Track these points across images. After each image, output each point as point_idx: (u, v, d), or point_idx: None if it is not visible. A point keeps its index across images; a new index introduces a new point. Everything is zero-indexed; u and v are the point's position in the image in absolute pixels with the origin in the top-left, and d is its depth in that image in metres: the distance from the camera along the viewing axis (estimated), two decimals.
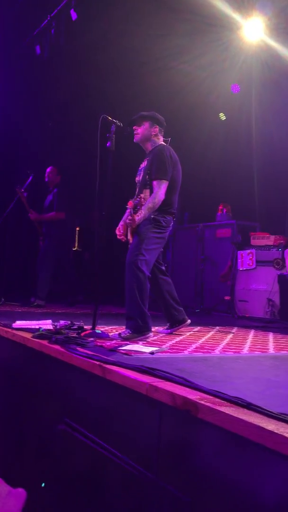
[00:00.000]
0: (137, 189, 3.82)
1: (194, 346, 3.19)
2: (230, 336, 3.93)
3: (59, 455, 2.35)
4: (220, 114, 7.71)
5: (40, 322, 3.60)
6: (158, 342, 3.29)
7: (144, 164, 3.83)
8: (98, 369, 2.24)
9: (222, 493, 1.53)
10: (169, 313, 3.90)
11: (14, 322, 3.54)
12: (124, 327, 3.56)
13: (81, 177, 7.41)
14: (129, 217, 3.55)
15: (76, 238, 8.63)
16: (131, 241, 3.68)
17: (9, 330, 3.39)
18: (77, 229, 8.64)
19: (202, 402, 1.65)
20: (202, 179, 7.57)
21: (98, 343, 2.96)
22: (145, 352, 2.72)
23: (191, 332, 4.02)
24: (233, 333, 4.16)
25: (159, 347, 2.99)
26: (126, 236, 3.76)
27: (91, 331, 3.24)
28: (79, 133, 7.66)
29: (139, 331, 3.39)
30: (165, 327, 3.94)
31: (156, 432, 1.82)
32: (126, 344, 2.99)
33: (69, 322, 3.49)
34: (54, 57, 7.13)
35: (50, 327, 3.37)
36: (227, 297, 6.47)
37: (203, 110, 7.60)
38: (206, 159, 7.57)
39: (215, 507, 1.55)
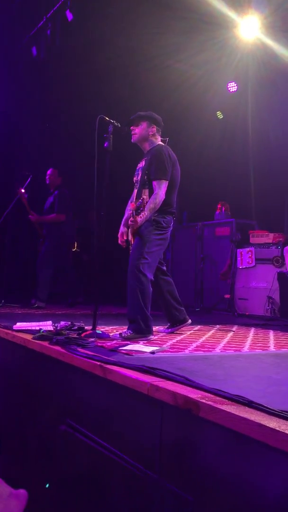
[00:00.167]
0: (136, 189, 3.81)
1: (194, 345, 3.19)
2: (230, 334, 3.93)
3: (61, 455, 2.35)
4: (218, 112, 7.72)
5: (41, 323, 3.60)
6: (159, 342, 3.29)
7: (142, 164, 3.82)
8: (99, 369, 2.24)
9: (224, 492, 1.53)
10: (170, 313, 3.89)
11: (15, 323, 3.54)
12: (124, 327, 3.56)
13: (78, 178, 7.42)
14: (131, 219, 3.54)
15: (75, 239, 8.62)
16: (132, 242, 3.68)
17: (10, 331, 3.39)
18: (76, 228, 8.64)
19: (204, 401, 1.65)
20: (200, 178, 7.58)
21: (99, 344, 2.96)
22: (145, 352, 2.72)
23: (192, 331, 4.02)
24: (234, 331, 4.16)
25: (159, 346, 2.99)
26: (128, 235, 3.76)
27: (91, 331, 3.24)
28: (76, 133, 7.66)
29: (140, 333, 3.38)
30: (166, 327, 3.94)
31: (157, 432, 1.82)
32: (127, 344, 2.99)
33: (70, 323, 3.49)
34: (51, 58, 7.13)
35: (51, 328, 3.37)
36: (227, 296, 6.47)
37: (200, 109, 7.60)
38: (203, 158, 7.58)
39: (217, 506, 1.55)
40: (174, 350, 2.92)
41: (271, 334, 4.10)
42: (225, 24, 6.14)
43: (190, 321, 3.95)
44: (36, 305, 5.76)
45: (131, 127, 3.82)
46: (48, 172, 6.28)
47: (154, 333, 3.56)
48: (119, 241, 3.85)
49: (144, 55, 6.69)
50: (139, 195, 3.64)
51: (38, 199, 6.42)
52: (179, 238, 7.69)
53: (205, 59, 6.70)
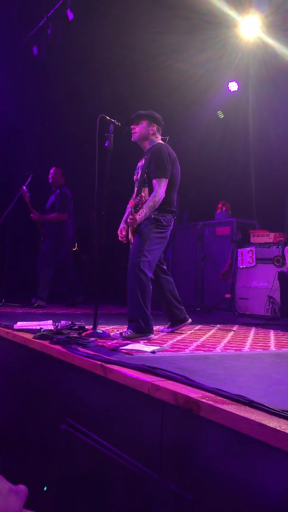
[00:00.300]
0: (136, 188, 3.81)
1: (195, 344, 3.19)
2: (231, 334, 3.93)
3: (62, 455, 2.35)
4: (218, 112, 7.72)
5: (41, 322, 3.60)
6: (159, 341, 3.29)
7: (142, 163, 3.82)
8: (99, 368, 2.24)
9: (225, 491, 1.53)
10: (170, 312, 3.89)
11: (15, 323, 3.54)
12: (125, 326, 3.56)
13: (79, 177, 7.41)
14: (130, 217, 3.54)
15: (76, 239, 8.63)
16: (132, 240, 3.68)
17: (10, 331, 3.39)
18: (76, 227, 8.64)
19: (204, 400, 1.65)
20: (201, 177, 7.58)
21: (99, 343, 2.96)
22: (146, 351, 2.72)
23: (192, 331, 4.02)
24: (234, 331, 4.16)
25: (160, 346, 2.99)
26: (127, 237, 3.76)
27: (92, 331, 3.24)
28: (77, 133, 7.66)
29: (141, 332, 3.38)
30: (166, 326, 3.94)
31: (158, 431, 1.82)
32: (128, 344, 2.99)
33: (70, 322, 3.49)
34: (51, 57, 7.12)
35: (51, 327, 3.37)
36: (227, 295, 6.47)
37: (201, 108, 7.60)
38: (204, 157, 7.58)
39: (218, 505, 1.55)
40: (175, 349, 2.92)
41: (272, 333, 4.10)
42: (226, 23, 6.13)
43: (190, 320, 3.95)
44: (37, 304, 5.76)
45: (131, 126, 3.82)
46: (51, 171, 6.28)
47: (154, 332, 3.56)
48: (119, 237, 3.84)
49: (145, 54, 6.69)
50: (138, 193, 3.64)
51: (38, 199, 6.42)
52: (180, 237, 7.69)
53: (206, 58, 6.70)
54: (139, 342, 3.15)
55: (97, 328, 3.30)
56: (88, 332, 3.22)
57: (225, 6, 5.90)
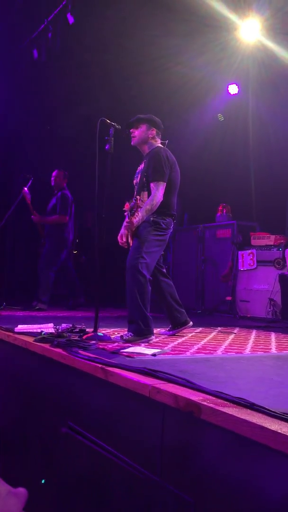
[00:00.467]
0: (135, 192, 3.82)
1: (196, 347, 3.19)
2: (232, 336, 3.93)
3: (62, 458, 2.35)
4: (219, 115, 7.73)
5: (42, 325, 3.60)
6: (160, 344, 3.29)
7: (141, 167, 3.82)
8: (100, 372, 2.25)
9: (225, 494, 1.53)
10: (171, 315, 3.89)
11: (16, 326, 3.54)
12: (125, 329, 3.56)
13: (80, 180, 7.42)
14: (127, 220, 3.55)
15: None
16: (131, 244, 3.68)
17: (11, 334, 3.39)
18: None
19: (205, 403, 1.65)
20: (201, 180, 7.58)
21: (100, 346, 2.96)
22: (147, 354, 2.72)
23: (193, 333, 4.01)
24: (235, 333, 4.16)
25: (161, 348, 2.99)
26: (127, 238, 3.75)
27: (93, 334, 3.24)
28: (77, 136, 7.67)
29: (141, 334, 3.38)
30: (167, 329, 3.94)
31: (159, 434, 1.82)
32: (128, 347, 2.99)
33: (71, 325, 3.49)
34: (52, 60, 7.14)
35: (52, 330, 3.37)
36: (228, 298, 6.46)
37: (200, 111, 7.61)
38: (204, 160, 7.58)
39: (218, 508, 1.54)
40: (176, 352, 2.92)
41: (273, 336, 4.10)
42: (226, 26, 6.14)
43: (191, 323, 3.95)
44: (38, 307, 5.76)
45: (131, 130, 3.82)
46: (54, 173, 6.29)
47: (155, 335, 3.56)
48: (119, 243, 3.85)
49: (145, 57, 6.69)
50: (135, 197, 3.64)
51: (38, 202, 6.43)
52: (180, 240, 7.69)
53: (206, 61, 6.71)
54: (139, 345, 3.15)
55: (98, 331, 3.30)
56: (89, 335, 3.23)
57: (225, 9, 5.91)
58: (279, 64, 6.25)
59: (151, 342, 3.38)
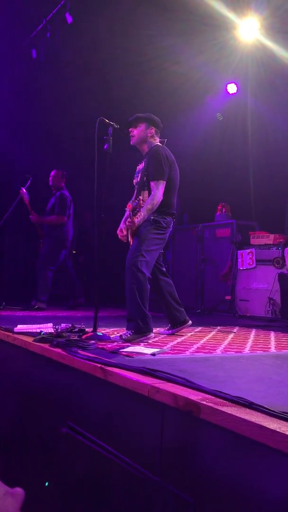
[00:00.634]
0: (135, 191, 3.82)
1: (195, 346, 3.19)
2: (231, 335, 3.93)
3: (62, 458, 2.35)
4: (218, 114, 7.73)
5: (41, 325, 3.60)
6: (160, 343, 3.29)
7: (141, 166, 3.82)
8: (99, 371, 2.24)
9: (225, 493, 1.53)
10: (170, 314, 3.89)
11: (16, 326, 3.54)
12: (125, 328, 3.56)
13: (78, 180, 7.41)
14: (129, 220, 3.55)
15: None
16: (131, 243, 3.68)
17: (11, 334, 3.39)
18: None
19: (204, 402, 1.65)
20: (200, 179, 7.59)
21: (100, 346, 2.96)
22: (146, 354, 2.72)
23: (192, 333, 4.01)
24: (235, 332, 4.16)
25: (160, 348, 2.99)
26: (127, 237, 3.76)
27: (92, 333, 3.24)
28: (76, 135, 7.66)
29: (140, 332, 3.39)
30: (166, 328, 3.94)
31: (158, 434, 1.82)
32: (128, 346, 2.99)
33: (70, 325, 3.49)
34: (50, 60, 7.14)
35: (51, 330, 3.37)
36: (228, 297, 6.47)
37: (199, 110, 7.60)
38: (203, 159, 7.59)
39: (218, 508, 1.54)
40: (175, 351, 2.92)
41: (272, 335, 4.10)
42: (224, 25, 6.14)
43: (190, 322, 3.95)
44: (37, 306, 5.76)
45: (130, 129, 3.83)
46: (52, 173, 6.29)
47: (154, 334, 3.56)
48: (119, 236, 3.85)
49: (143, 57, 6.69)
50: (137, 197, 3.64)
51: (38, 202, 6.43)
52: (180, 239, 7.69)
53: (204, 60, 6.70)
54: (139, 344, 3.15)
55: (97, 330, 3.30)
56: (88, 334, 3.22)
57: (224, 8, 5.91)
58: (278, 63, 6.25)
59: (150, 340, 3.38)
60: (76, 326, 3.43)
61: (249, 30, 6.24)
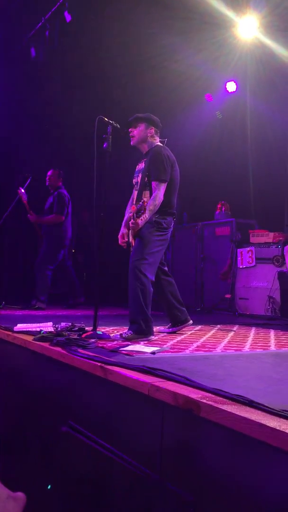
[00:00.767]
0: (135, 191, 3.81)
1: (195, 345, 3.19)
2: (231, 334, 3.93)
3: (63, 457, 2.35)
4: (217, 112, 7.72)
5: (41, 324, 3.60)
6: (160, 342, 3.29)
7: (141, 166, 3.82)
8: (99, 370, 2.25)
9: (225, 492, 1.53)
10: (171, 313, 3.89)
11: (15, 325, 3.54)
12: (125, 327, 3.56)
13: (78, 179, 7.41)
14: (132, 221, 3.54)
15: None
16: (133, 244, 3.68)
17: (11, 333, 3.39)
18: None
19: (204, 401, 1.65)
20: (199, 178, 7.57)
21: (100, 344, 2.96)
22: (146, 352, 2.72)
23: (192, 331, 4.02)
24: (234, 331, 4.16)
25: (160, 346, 2.99)
26: (129, 236, 3.76)
27: (92, 332, 3.24)
28: (75, 134, 7.66)
29: (141, 333, 3.38)
30: (167, 327, 3.94)
31: (158, 432, 1.82)
32: (128, 345, 2.99)
33: (70, 324, 3.49)
34: (49, 58, 7.13)
35: (51, 329, 3.38)
36: (227, 295, 6.47)
37: (198, 108, 7.60)
38: (203, 158, 7.58)
39: (218, 506, 1.55)
40: (175, 350, 2.92)
41: (272, 333, 4.10)
42: (223, 23, 6.13)
43: (191, 321, 3.95)
44: (37, 306, 5.76)
45: (129, 129, 3.82)
46: (48, 173, 6.29)
47: (155, 333, 3.56)
48: (119, 242, 3.85)
49: (142, 56, 6.68)
50: (139, 198, 3.63)
51: (38, 200, 6.43)
52: (179, 238, 7.69)
53: (204, 59, 6.70)
54: (139, 343, 3.15)
55: (97, 329, 3.30)
56: (88, 333, 3.23)
57: (223, 7, 5.91)
58: (277, 61, 6.24)
59: (150, 341, 3.38)
60: (76, 325, 3.44)
61: (248, 28, 6.23)
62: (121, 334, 3.38)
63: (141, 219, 3.48)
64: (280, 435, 1.37)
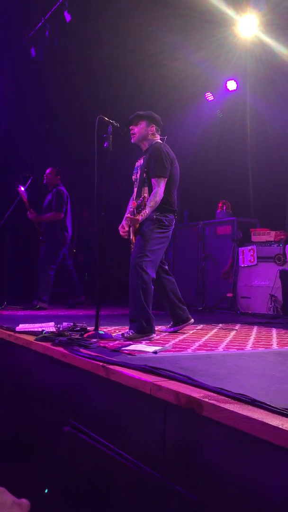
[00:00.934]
0: (135, 188, 3.81)
1: (197, 344, 3.19)
2: (233, 333, 3.92)
3: (65, 456, 2.35)
4: (218, 111, 7.71)
5: (43, 324, 3.60)
6: (161, 341, 3.29)
7: (140, 162, 3.82)
8: (101, 370, 2.24)
9: (228, 490, 1.53)
10: (173, 312, 3.89)
11: (17, 325, 3.54)
12: (126, 327, 3.56)
13: (78, 178, 7.41)
14: (128, 215, 3.54)
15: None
16: (133, 241, 3.68)
17: (13, 333, 3.39)
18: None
19: (206, 400, 1.65)
20: (200, 177, 7.57)
21: (101, 344, 2.96)
22: (148, 352, 2.71)
23: (194, 330, 4.01)
24: (236, 330, 4.16)
25: (162, 346, 2.99)
26: (129, 234, 3.75)
27: (94, 332, 3.24)
28: (76, 134, 7.66)
29: (142, 332, 3.38)
30: (168, 326, 3.94)
31: (161, 431, 1.82)
32: (129, 344, 2.99)
33: (72, 323, 3.49)
34: (49, 58, 7.13)
35: (53, 329, 3.38)
36: (229, 294, 6.46)
37: (198, 107, 7.59)
38: (203, 156, 7.57)
39: (221, 505, 1.54)
40: (177, 349, 2.92)
41: (274, 332, 4.10)
42: (223, 22, 6.12)
43: (192, 320, 3.94)
44: (38, 306, 5.77)
45: (130, 127, 3.82)
46: (47, 171, 6.29)
47: (157, 332, 3.56)
48: (120, 232, 3.84)
49: (142, 54, 6.67)
50: (139, 194, 3.63)
51: (39, 200, 6.43)
52: (181, 237, 7.68)
53: (204, 57, 6.68)
54: (141, 343, 3.15)
55: (99, 329, 3.30)
56: (90, 333, 3.23)
57: (223, 5, 5.89)
58: (277, 59, 6.23)
59: (152, 340, 3.38)
60: (78, 324, 3.44)
61: (248, 27, 6.22)
62: (122, 334, 3.38)
63: (141, 215, 3.48)
64: (283, 433, 1.36)
